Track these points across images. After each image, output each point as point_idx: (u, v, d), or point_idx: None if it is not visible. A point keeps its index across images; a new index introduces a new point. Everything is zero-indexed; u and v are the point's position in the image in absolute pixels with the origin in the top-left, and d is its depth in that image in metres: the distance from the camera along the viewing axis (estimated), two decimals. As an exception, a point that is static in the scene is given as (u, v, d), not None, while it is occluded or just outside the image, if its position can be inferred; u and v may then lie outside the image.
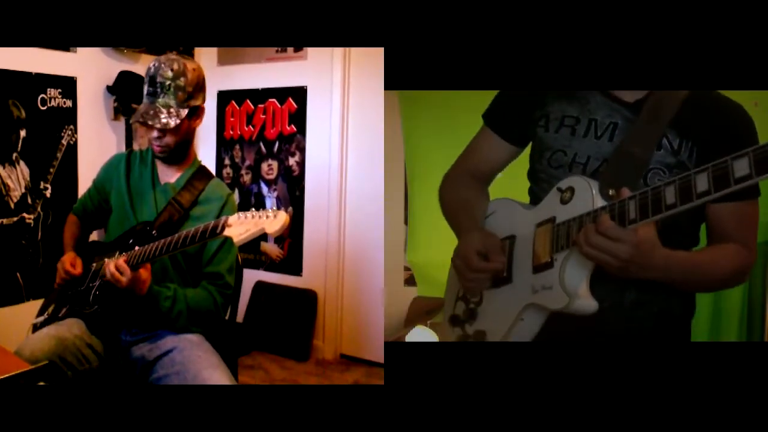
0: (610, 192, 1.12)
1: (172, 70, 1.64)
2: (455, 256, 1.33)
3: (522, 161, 1.43)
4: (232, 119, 3.70)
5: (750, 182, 0.91)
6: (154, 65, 1.66)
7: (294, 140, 3.49)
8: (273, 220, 1.33)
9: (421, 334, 2.57)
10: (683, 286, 1.22)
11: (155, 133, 1.68)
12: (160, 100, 1.64)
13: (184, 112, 1.66)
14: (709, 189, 0.95)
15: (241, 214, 1.39)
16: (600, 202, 1.13)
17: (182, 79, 1.65)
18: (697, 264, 1.19)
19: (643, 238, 1.06)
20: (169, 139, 1.69)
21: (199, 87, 1.70)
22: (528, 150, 1.40)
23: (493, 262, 1.26)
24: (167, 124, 1.63)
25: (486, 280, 1.28)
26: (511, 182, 1.42)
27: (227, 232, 1.38)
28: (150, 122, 1.63)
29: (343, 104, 3.34)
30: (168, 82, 1.64)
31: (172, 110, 1.64)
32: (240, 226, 1.36)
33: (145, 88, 1.67)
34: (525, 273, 1.23)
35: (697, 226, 1.28)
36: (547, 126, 1.30)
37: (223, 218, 1.41)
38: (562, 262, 1.15)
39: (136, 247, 1.59)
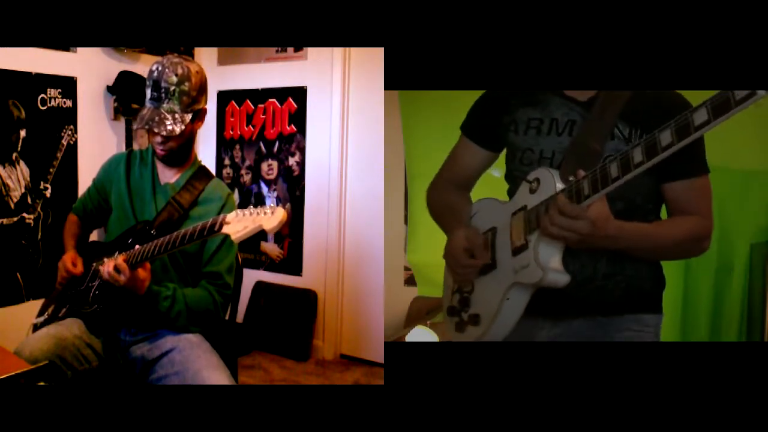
0: (570, 178, 1.26)
1: (176, 74, 1.62)
2: (445, 253, 1.49)
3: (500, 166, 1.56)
4: (232, 119, 3.70)
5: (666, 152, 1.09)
6: (157, 69, 1.63)
7: (294, 140, 3.49)
8: (270, 216, 1.33)
9: (421, 334, 2.57)
10: (641, 254, 1.35)
11: (159, 138, 1.67)
12: (164, 105, 1.63)
13: (189, 117, 1.65)
14: (642, 159, 1.13)
15: (239, 211, 1.38)
16: (560, 186, 1.28)
17: (186, 84, 1.63)
18: (647, 233, 1.32)
19: (597, 212, 1.21)
20: (172, 144, 1.68)
21: (202, 90, 1.69)
22: (503, 157, 1.56)
23: (478, 259, 1.41)
24: (173, 131, 1.62)
25: (474, 273, 1.43)
26: (491, 190, 1.56)
27: (225, 230, 1.37)
28: (156, 130, 1.61)
29: (343, 104, 3.34)
30: (173, 88, 1.62)
31: (177, 116, 1.63)
32: (238, 224, 1.36)
33: (149, 92, 1.65)
34: (506, 258, 1.37)
35: (658, 205, 1.40)
36: (516, 130, 1.44)
37: (221, 216, 1.41)
38: (535, 242, 1.30)
39: (136, 246, 1.59)
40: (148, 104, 1.66)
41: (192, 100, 1.65)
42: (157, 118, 1.62)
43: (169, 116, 1.62)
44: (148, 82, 1.65)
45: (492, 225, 1.44)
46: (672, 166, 1.25)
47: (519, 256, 1.33)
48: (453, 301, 1.50)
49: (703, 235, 1.34)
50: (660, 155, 1.10)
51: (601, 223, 1.21)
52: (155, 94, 1.63)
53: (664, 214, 1.42)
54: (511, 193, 1.46)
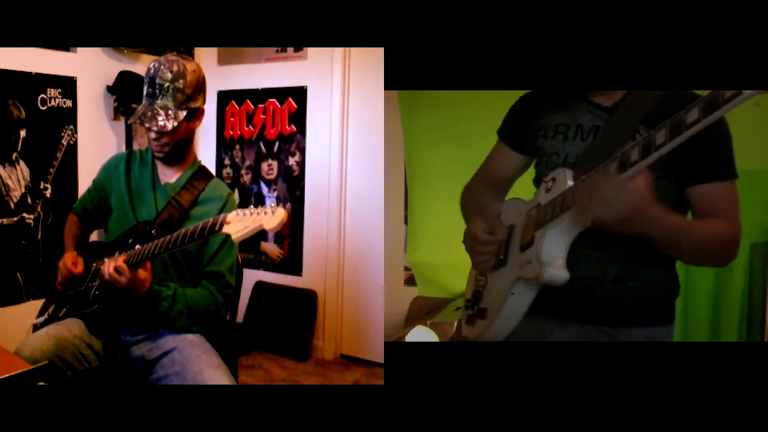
0: (583, 177, 1.25)
1: (171, 71, 1.64)
2: (465, 237, 1.47)
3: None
4: (232, 119, 3.70)
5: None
6: (154, 66, 1.65)
7: (294, 140, 3.49)
8: (271, 216, 1.34)
9: (421, 334, 2.58)
10: (669, 251, 1.28)
11: (153, 134, 1.68)
12: (158, 101, 1.64)
13: (182, 114, 1.66)
14: (638, 158, 1.13)
15: (239, 210, 1.39)
16: (571, 183, 1.28)
17: (181, 81, 1.64)
18: (683, 227, 1.26)
19: (644, 186, 1.13)
20: (167, 140, 1.69)
21: (199, 89, 1.70)
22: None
23: (496, 235, 1.42)
24: (164, 126, 1.63)
25: (493, 255, 1.43)
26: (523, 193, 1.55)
27: (226, 229, 1.38)
28: (147, 124, 1.63)
29: (343, 104, 3.34)
30: (167, 84, 1.63)
31: (170, 112, 1.64)
32: (238, 223, 1.37)
33: (145, 89, 1.67)
34: (516, 254, 1.39)
35: (678, 211, 1.33)
36: (545, 135, 1.44)
37: (221, 215, 1.41)
38: (539, 237, 1.31)
39: (137, 246, 1.59)
40: (143, 101, 1.67)
41: (186, 97, 1.66)
42: (149, 114, 1.63)
43: (162, 112, 1.63)
44: (145, 80, 1.67)
45: (512, 223, 1.45)
46: (697, 169, 1.23)
47: (525, 252, 1.34)
48: (468, 294, 1.52)
49: (730, 240, 1.26)
50: (652, 155, 1.11)
51: (644, 201, 1.13)
52: (150, 90, 1.65)
53: None
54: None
